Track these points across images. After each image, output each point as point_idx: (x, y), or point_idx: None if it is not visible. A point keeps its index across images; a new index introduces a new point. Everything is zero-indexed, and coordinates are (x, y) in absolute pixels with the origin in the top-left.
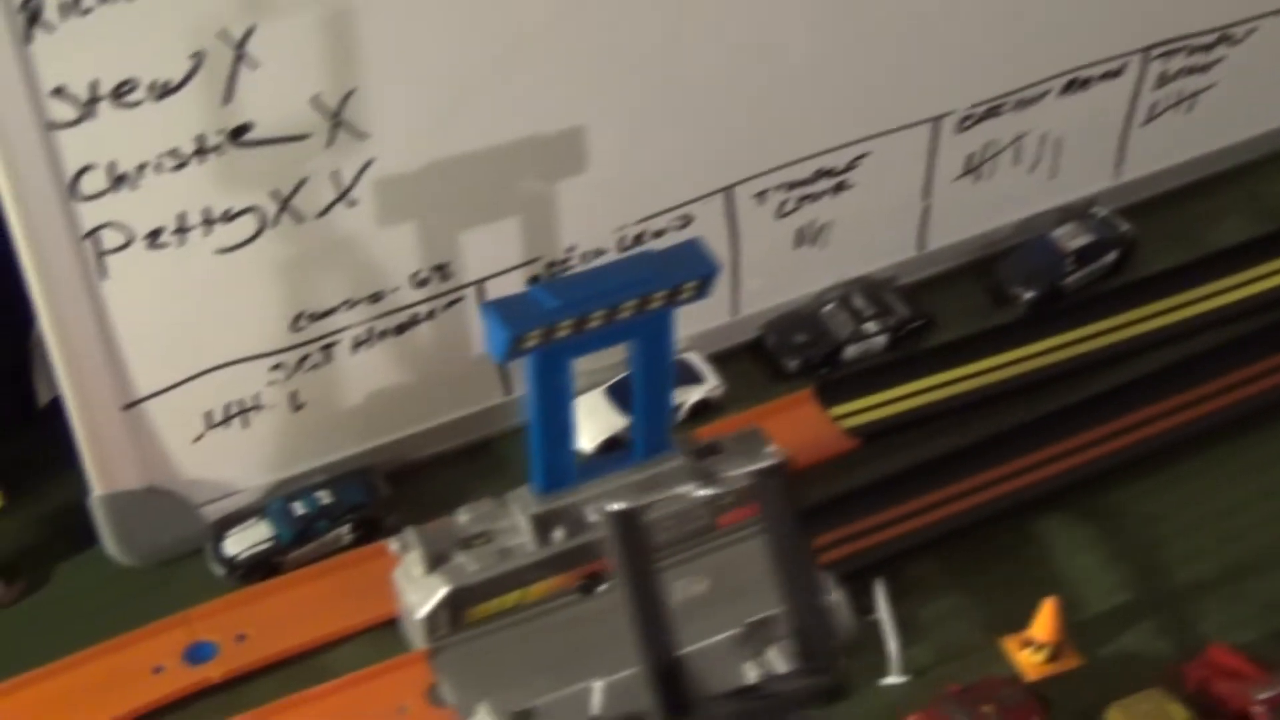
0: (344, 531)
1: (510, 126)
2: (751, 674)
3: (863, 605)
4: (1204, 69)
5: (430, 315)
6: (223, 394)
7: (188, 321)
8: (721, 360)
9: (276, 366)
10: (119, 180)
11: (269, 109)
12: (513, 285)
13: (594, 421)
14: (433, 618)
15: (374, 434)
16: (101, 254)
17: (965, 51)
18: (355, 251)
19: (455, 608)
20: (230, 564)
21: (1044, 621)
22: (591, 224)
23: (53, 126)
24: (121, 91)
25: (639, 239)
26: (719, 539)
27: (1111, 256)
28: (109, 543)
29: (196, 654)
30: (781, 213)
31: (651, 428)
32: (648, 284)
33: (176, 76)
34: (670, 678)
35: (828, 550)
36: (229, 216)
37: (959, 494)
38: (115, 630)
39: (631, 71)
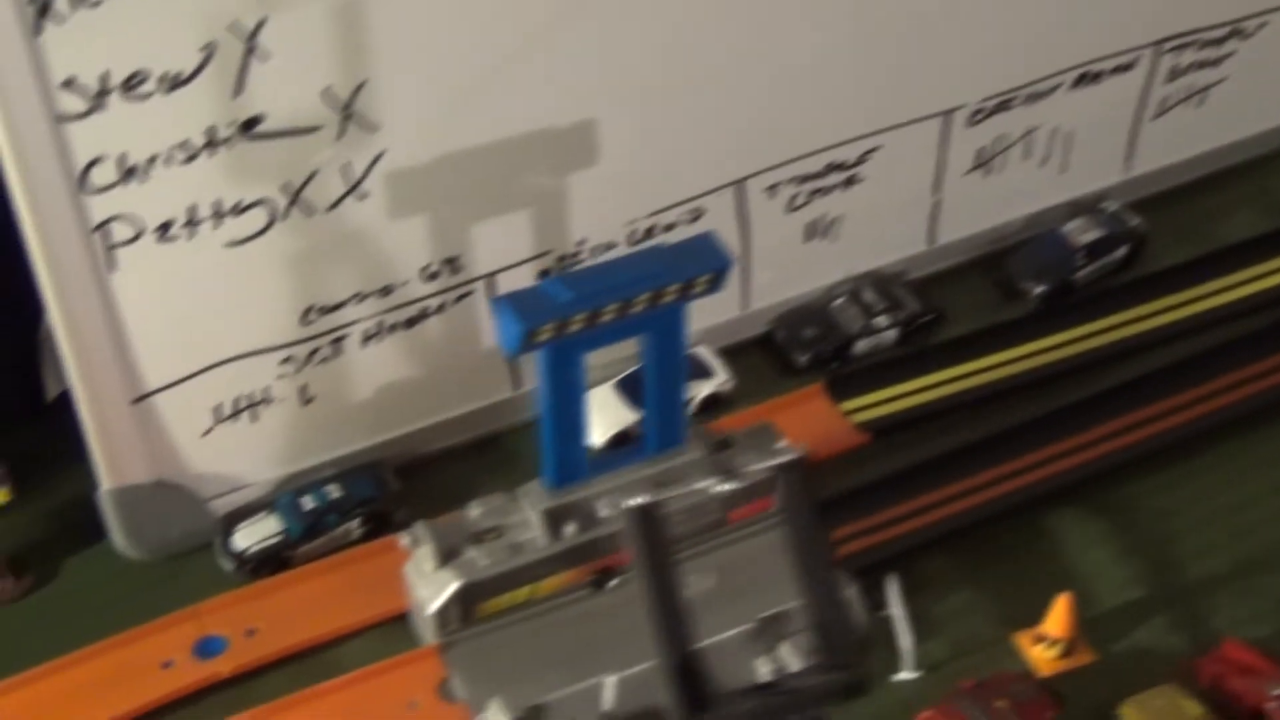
0: (353, 526)
1: (521, 119)
2: (764, 669)
3: (875, 601)
4: (1215, 63)
5: (440, 309)
6: (232, 388)
7: (197, 315)
8: (731, 354)
9: (286, 360)
10: (129, 173)
11: (280, 101)
12: (523, 279)
13: (604, 416)
14: (444, 613)
15: (383, 428)
16: (111, 247)
17: (976, 45)
18: (365, 244)
19: (466, 603)
20: (239, 558)
21: (1057, 617)
22: (602, 217)
23: (63, 119)
24: (132, 83)
25: (649, 233)
26: (730, 534)
27: (1122, 251)
28: (117, 537)
29: (206, 648)
30: (792, 206)
31: (664, 422)
32: (661, 278)
33: (187, 68)
34: (688, 673)
35: (839, 546)
36: (239, 209)
37: (971, 489)
38: (124, 625)
39: (643, 65)
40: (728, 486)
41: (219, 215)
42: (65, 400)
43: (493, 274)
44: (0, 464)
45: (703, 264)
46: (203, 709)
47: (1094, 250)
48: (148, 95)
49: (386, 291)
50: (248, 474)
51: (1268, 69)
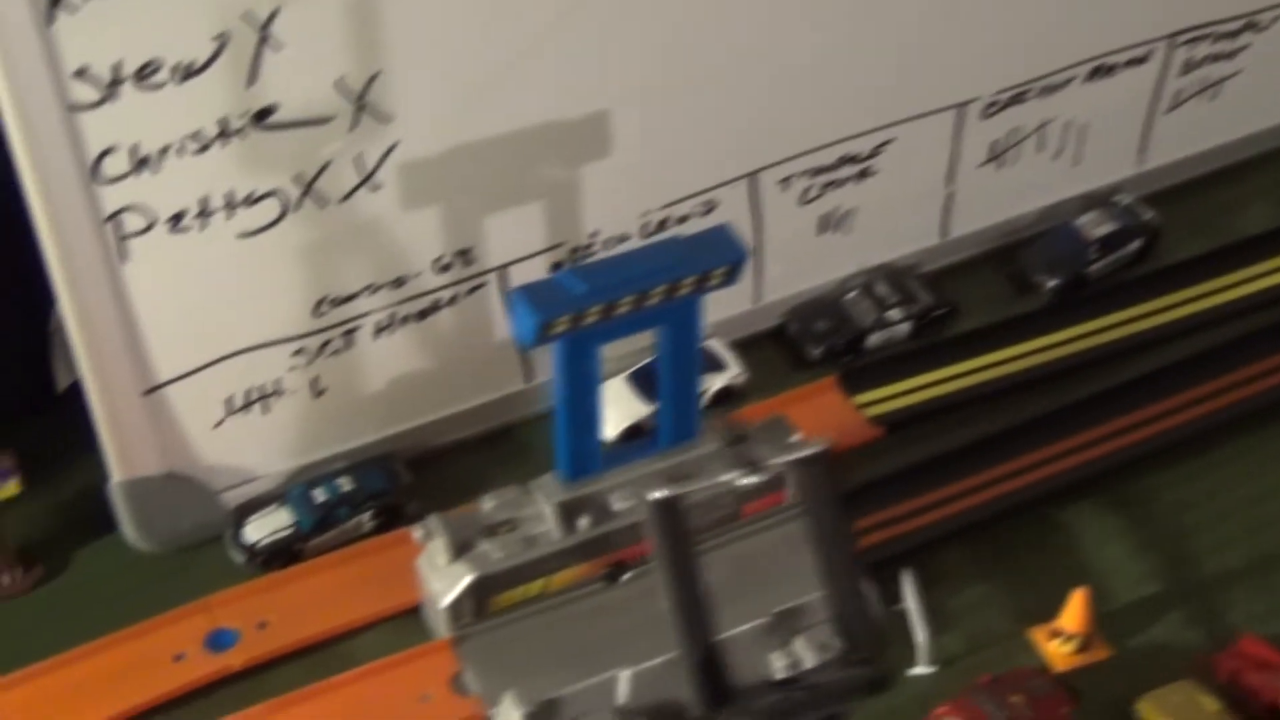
0: (365, 518)
1: (535, 111)
2: (778, 663)
3: (890, 595)
4: (1229, 56)
5: (452, 301)
6: (244, 379)
7: (209, 306)
8: (743, 347)
9: (298, 352)
10: (141, 163)
11: (293, 91)
12: (536, 271)
13: (616, 409)
14: (457, 606)
15: (395, 420)
16: (123, 238)
17: (991, 38)
18: (378, 236)
19: (480, 596)
20: (250, 551)
21: (1073, 612)
22: (615, 209)
23: (75, 109)
24: (145, 73)
25: (663, 225)
26: (744, 528)
27: (1135, 245)
28: (128, 529)
29: (218, 641)
30: (805, 199)
31: (678, 415)
32: (677, 270)
33: (200, 58)
34: (710, 667)
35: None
36: (251, 200)
37: (985, 483)
38: (134, 617)
39: (656, 57)
40: (752, 480)
41: (231, 206)
42: (75, 392)
43: (505, 266)
44: (10, 456)
45: (718, 256)
46: (214, 702)
47: (1108, 244)
48: (161, 85)
49: (399, 283)
50: (259, 466)
51: None
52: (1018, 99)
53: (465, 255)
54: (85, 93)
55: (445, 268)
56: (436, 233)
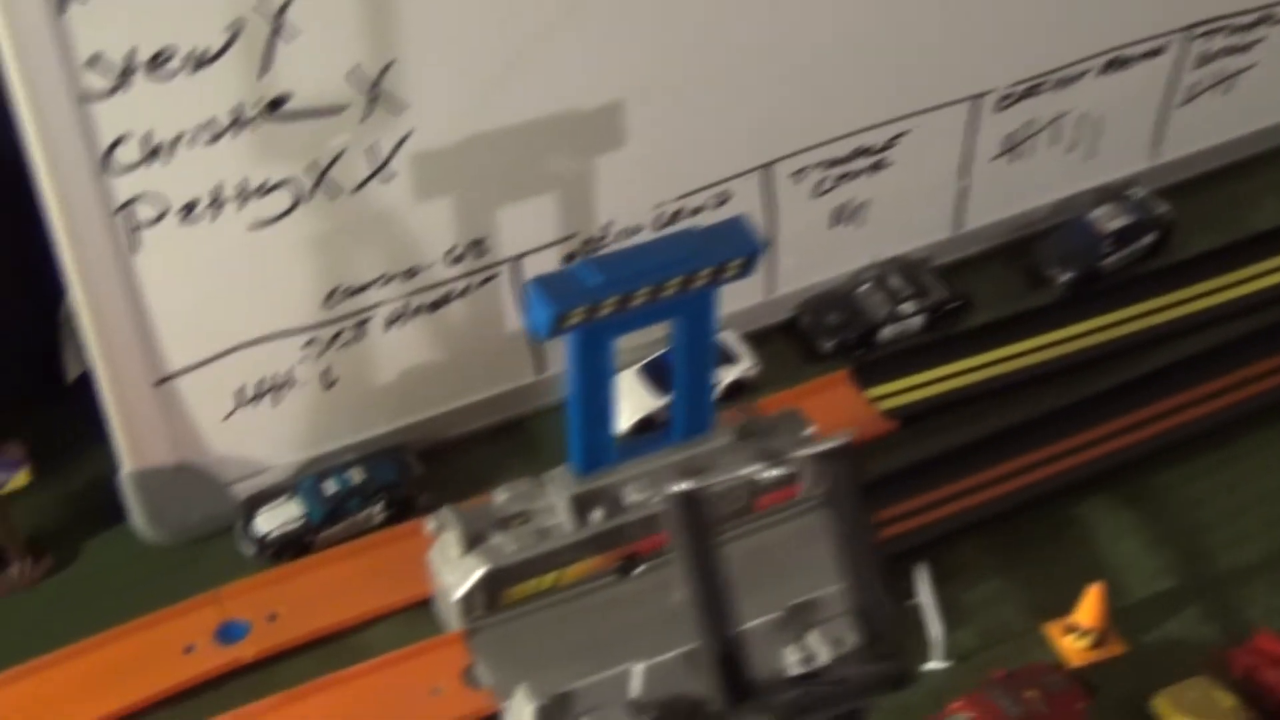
0: (375, 510)
1: (549, 100)
2: (792, 658)
3: (903, 590)
4: (1244, 49)
5: (465, 292)
6: (254, 370)
7: (220, 297)
8: (755, 340)
9: (309, 343)
10: (153, 153)
11: (306, 80)
12: (548, 262)
13: (628, 401)
14: (469, 598)
15: (406, 412)
16: (134, 228)
17: (1006, 29)
18: (391, 226)
19: (492, 589)
20: (260, 542)
21: (1088, 607)
22: (629, 200)
23: (86, 98)
24: (157, 62)
25: (676, 216)
26: (756, 521)
27: (1149, 238)
28: (138, 520)
29: (228, 633)
30: (819, 191)
31: (692, 408)
32: (692, 261)
33: (214, 47)
34: (731, 662)
35: None
36: (264, 190)
37: (999, 477)
38: (144, 609)
39: (671, 47)
40: (775, 473)
41: (243, 196)
42: (85, 382)
43: (518, 257)
44: (20, 446)
45: (734, 248)
46: (224, 693)
47: (1121, 237)
48: (173, 74)
49: (411, 274)
50: (269, 458)
51: None
52: (1032, 91)
53: (478, 246)
54: (97, 82)
55: (458, 259)
56: (449, 223)
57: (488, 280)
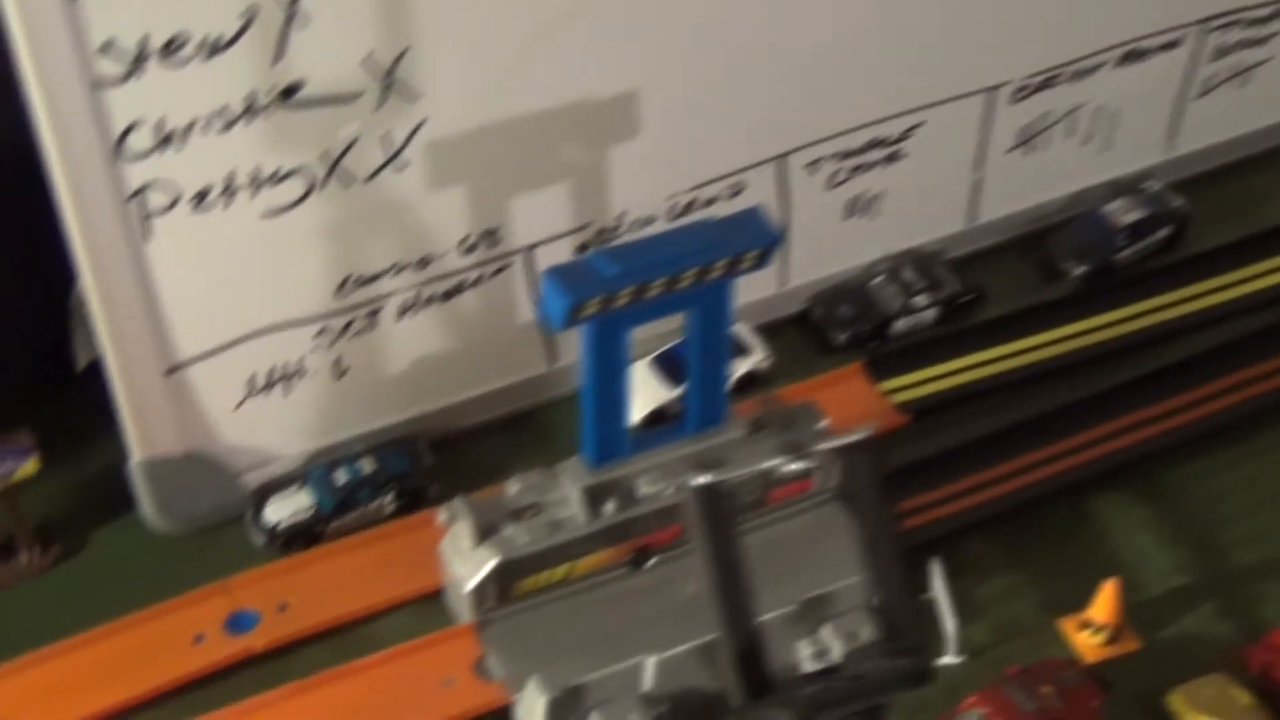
0: (386, 501)
1: (564, 90)
2: (805, 651)
3: (917, 584)
4: (1261, 42)
5: (477, 282)
6: (265, 359)
7: (232, 285)
8: (767, 332)
9: (321, 332)
10: (165, 140)
11: (320, 68)
12: (562, 252)
13: (640, 393)
14: (481, 590)
15: (417, 402)
16: (146, 216)
17: (1023, 20)
18: (404, 215)
19: (504, 580)
20: (270, 532)
21: (1104, 603)
22: (643, 191)
23: (99, 84)
24: (171, 48)
25: (690, 207)
26: (769, 514)
27: (1164, 232)
28: (147, 509)
29: (238, 623)
30: (833, 183)
31: (706, 400)
32: (709, 252)
33: (227, 33)
34: (751, 658)
35: None
36: (277, 178)
37: (1014, 471)
38: (152, 598)
39: (686, 37)
40: (798, 465)
41: (256, 184)
42: (95, 371)
43: (531, 247)
44: (29, 434)
45: (751, 238)
46: (234, 684)
47: (1136, 231)
48: (187, 60)
49: (424, 263)
50: (279, 447)
51: None
52: (1048, 83)
53: (491, 236)
54: (110, 68)
55: (471, 248)
56: (462, 213)
57: (500, 270)
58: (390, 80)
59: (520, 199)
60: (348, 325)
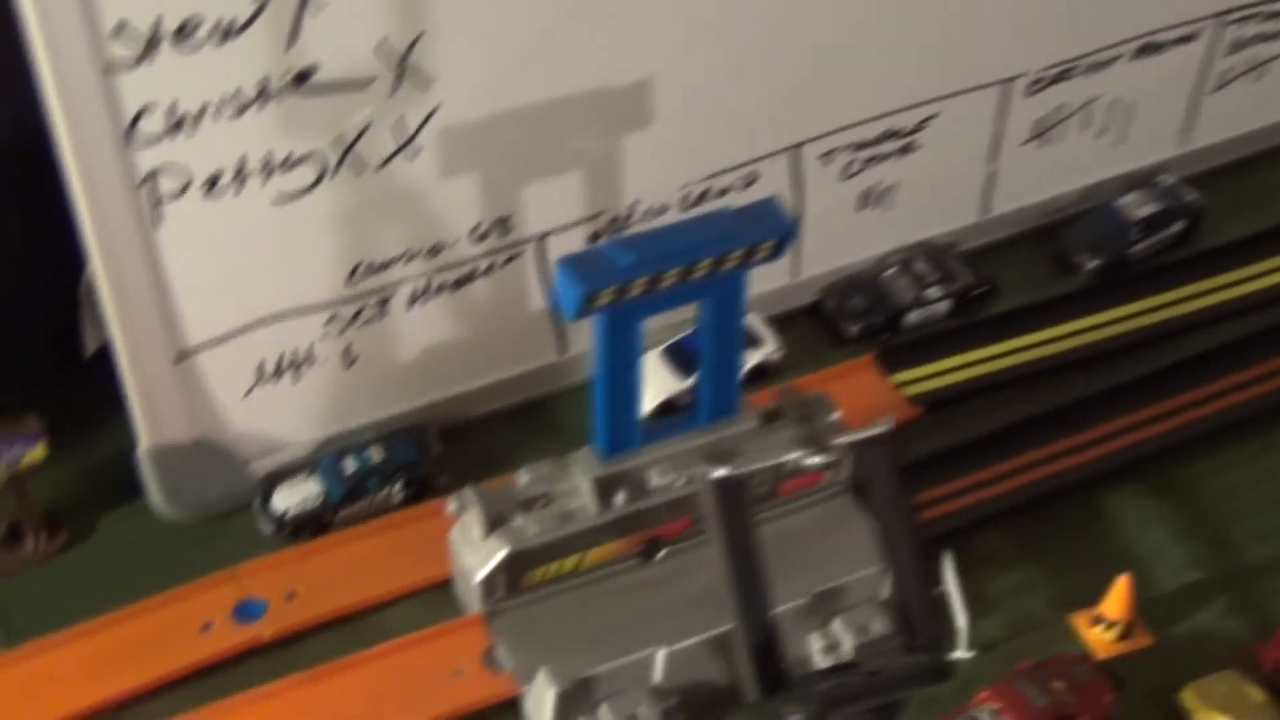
0: (395, 489)
1: (578, 78)
2: (816, 645)
3: (928, 578)
4: (1277, 36)
5: (488, 270)
6: (275, 346)
7: (242, 272)
8: (779, 323)
9: (331, 319)
10: (177, 125)
11: (333, 53)
12: (574, 241)
13: (650, 384)
14: (490, 580)
15: (427, 391)
16: (157, 201)
17: (1039, 13)
18: (416, 203)
19: (514, 571)
20: (279, 521)
21: (1116, 598)
22: (656, 180)
23: (111, 68)
24: (184, 32)
25: (703, 197)
26: (780, 506)
27: (1178, 226)
28: (155, 496)
29: (246, 611)
30: (847, 174)
31: (719, 391)
32: (724, 243)
33: (241, 18)
34: (766, 652)
35: None
36: (289, 164)
37: (1026, 465)
38: (160, 585)
39: (701, 25)
40: (819, 459)
41: (268, 170)
42: (103, 356)
43: (543, 236)
44: (37, 420)
45: (766, 229)
46: (242, 672)
47: (1150, 224)
48: (200, 44)
49: (435, 251)
50: (288, 435)
51: None
52: (1064, 76)
53: (503, 224)
54: (122, 52)
55: (482, 236)
56: (475, 200)
57: (512, 259)
58: (404, 67)
59: (533, 187)
60: (358, 313)
